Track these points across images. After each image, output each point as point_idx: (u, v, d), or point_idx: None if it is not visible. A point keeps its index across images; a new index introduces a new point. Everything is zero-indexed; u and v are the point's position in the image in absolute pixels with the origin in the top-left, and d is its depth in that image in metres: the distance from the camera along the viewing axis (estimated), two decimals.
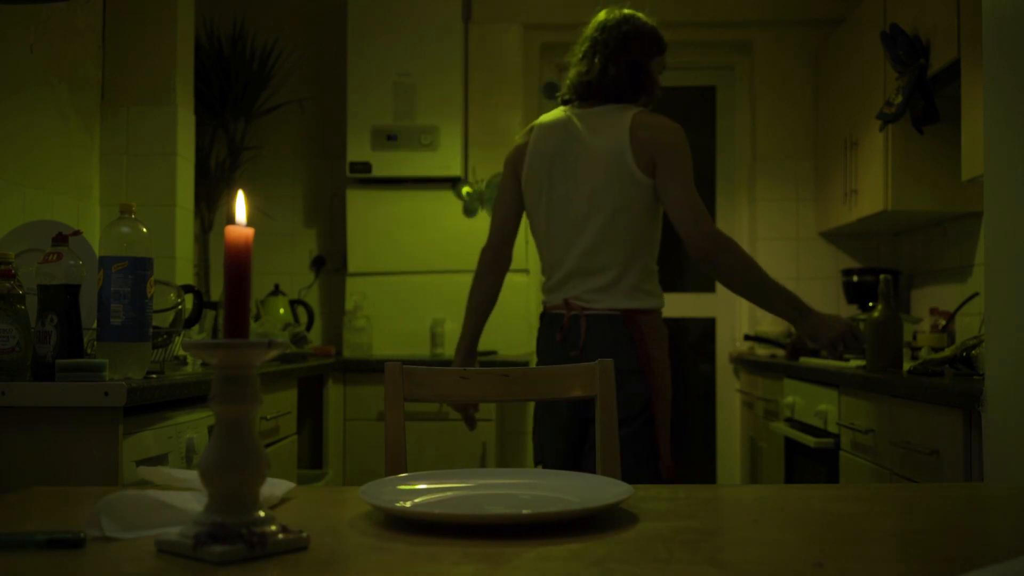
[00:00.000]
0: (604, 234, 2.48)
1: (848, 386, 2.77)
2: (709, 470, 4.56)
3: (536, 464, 2.64)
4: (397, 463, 1.57)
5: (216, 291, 4.02)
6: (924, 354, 2.88)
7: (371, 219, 4.23)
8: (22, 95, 2.78)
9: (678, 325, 4.55)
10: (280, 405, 3.07)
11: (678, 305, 4.46)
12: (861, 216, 3.71)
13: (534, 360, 4.27)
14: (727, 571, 0.88)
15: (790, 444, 3.41)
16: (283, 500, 1.22)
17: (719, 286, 4.54)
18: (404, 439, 1.60)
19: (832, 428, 2.93)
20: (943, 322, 3.37)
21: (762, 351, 4.15)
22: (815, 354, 3.56)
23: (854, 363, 2.97)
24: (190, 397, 2.16)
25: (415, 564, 0.92)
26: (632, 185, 2.46)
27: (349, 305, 4.15)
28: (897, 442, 2.37)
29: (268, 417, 2.92)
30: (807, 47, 4.40)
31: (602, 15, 2.60)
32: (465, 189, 4.26)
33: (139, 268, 2.00)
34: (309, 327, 4.05)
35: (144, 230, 2.03)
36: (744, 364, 4.27)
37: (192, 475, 1.22)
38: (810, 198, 4.40)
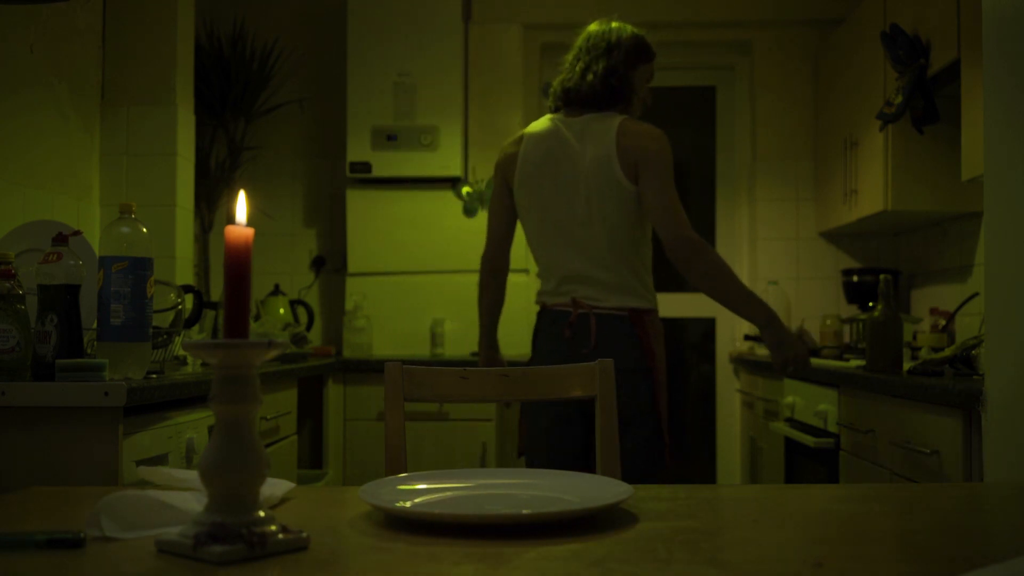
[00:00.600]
0: (601, 239, 2.54)
1: (848, 386, 2.77)
2: (709, 470, 4.56)
3: (522, 457, 2.67)
4: (397, 463, 1.57)
5: (216, 291, 4.02)
6: (924, 354, 2.88)
7: (371, 219, 4.23)
8: (22, 95, 2.78)
9: (678, 325, 4.55)
10: (280, 405, 3.08)
11: (678, 305, 4.46)
12: (861, 216, 3.71)
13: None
14: (727, 571, 0.88)
15: (790, 444, 3.41)
16: (283, 500, 1.22)
17: None
18: (404, 439, 1.60)
19: (832, 428, 2.93)
20: (943, 322, 3.37)
21: (762, 351, 4.15)
22: (815, 354, 3.56)
23: (854, 363, 2.97)
24: (190, 397, 2.16)
25: (415, 564, 0.92)
26: (621, 192, 2.51)
27: (349, 305, 4.15)
28: (897, 442, 2.37)
29: (268, 417, 2.92)
30: (807, 47, 4.40)
31: (592, 26, 2.68)
32: (465, 189, 4.26)
33: (139, 268, 2.00)
34: (309, 327, 4.05)
35: (144, 230, 2.03)
36: (744, 364, 4.27)
37: (192, 475, 1.22)
38: (810, 198, 4.40)
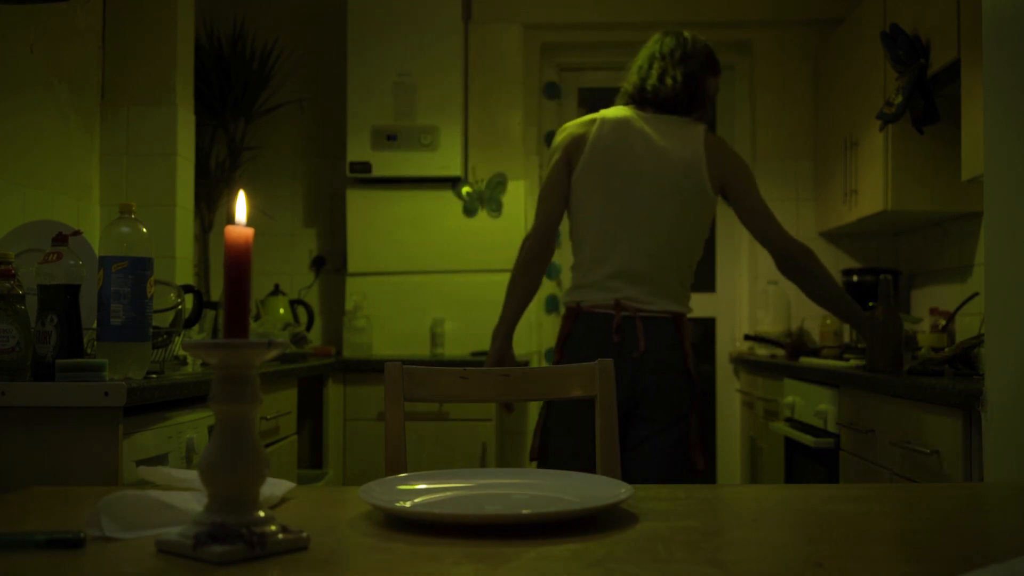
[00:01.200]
0: (663, 237, 2.55)
1: (848, 386, 2.77)
2: (709, 470, 4.55)
3: (538, 462, 2.61)
4: (397, 463, 1.57)
5: (216, 291, 4.02)
6: (924, 354, 2.87)
7: (371, 219, 4.23)
8: (22, 95, 2.78)
9: None
10: (280, 405, 3.07)
11: None
12: (861, 216, 3.71)
13: (537, 360, 4.32)
14: (727, 571, 0.88)
15: (790, 444, 3.41)
16: (283, 500, 1.22)
17: (719, 286, 4.55)
18: (404, 439, 1.60)
19: (832, 428, 2.93)
20: (943, 322, 3.37)
21: (762, 351, 4.15)
22: (815, 354, 3.56)
23: (854, 363, 2.97)
24: (190, 397, 2.16)
25: (415, 564, 0.92)
26: (701, 195, 2.56)
27: (349, 305, 4.15)
28: (897, 442, 2.37)
29: (268, 417, 2.92)
30: (807, 47, 4.41)
31: (657, 35, 2.72)
32: (465, 189, 4.26)
33: (139, 268, 2.00)
34: (309, 327, 4.05)
35: (144, 230, 2.03)
36: (744, 364, 4.26)
37: (192, 475, 1.22)
38: (810, 198, 4.40)
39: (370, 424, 3.79)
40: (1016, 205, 1.78)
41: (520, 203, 4.28)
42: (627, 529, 1.04)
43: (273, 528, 0.93)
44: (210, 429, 2.27)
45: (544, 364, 4.29)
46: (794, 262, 2.64)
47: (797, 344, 3.66)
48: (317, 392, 3.78)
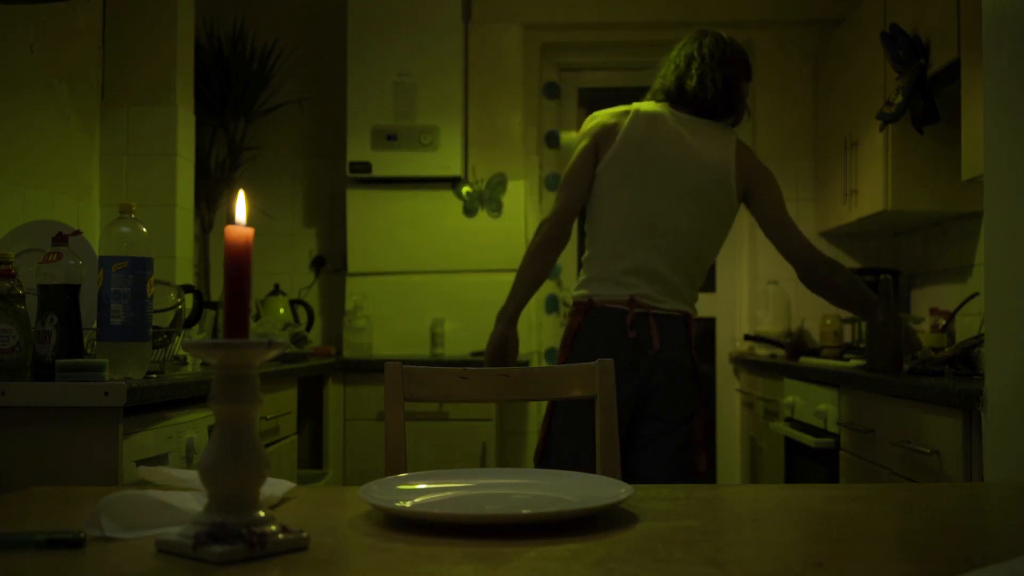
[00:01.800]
0: (683, 239, 2.54)
1: (848, 386, 2.77)
2: (709, 470, 4.55)
3: (537, 462, 2.59)
4: (397, 463, 1.57)
5: (216, 291, 4.02)
6: (923, 354, 2.87)
7: (371, 219, 4.23)
8: (22, 95, 2.78)
9: None
10: (280, 405, 3.07)
11: None
12: (861, 216, 3.71)
13: (537, 360, 4.32)
14: (727, 571, 0.88)
15: (790, 444, 3.41)
16: (283, 500, 1.22)
17: (719, 286, 4.54)
18: (404, 439, 1.60)
19: (832, 428, 2.93)
20: (943, 322, 3.37)
21: (762, 351, 4.15)
22: (815, 354, 3.56)
23: (854, 363, 2.97)
24: (190, 397, 2.16)
25: (415, 564, 0.92)
26: (727, 202, 2.57)
27: (349, 305, 4.15)
28: (897, 442, 2.37)
29: (268, 417, 2.92)
30: (807, 47, 4.41)
31: (691, 36, 2.68)
32: (465, 189, 4.26)
33: (139, 268, 2.00)
34: (309, 327, 4.05)
35: (144, 230, 2.03)
36: (744, 364, 4.26)
37: (192, 475, 1.22)
38: (810, 198, 4.40)
39: (370, 424, 3.79)
40: (1016, 205, 1.78)
41: (520, 203, 4.28)
42: (627, 529, 1.04)
43: (273, 528, 0.93)
44: (210, 429, 2.27)
45: (544, 364, 4.29)
46: (816, 275, 2.61)
47: (797, 344, 3.66)
48: (317, 392, 3.78)
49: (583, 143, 2.57)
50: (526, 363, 4.06)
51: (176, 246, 3.26)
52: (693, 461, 2.54)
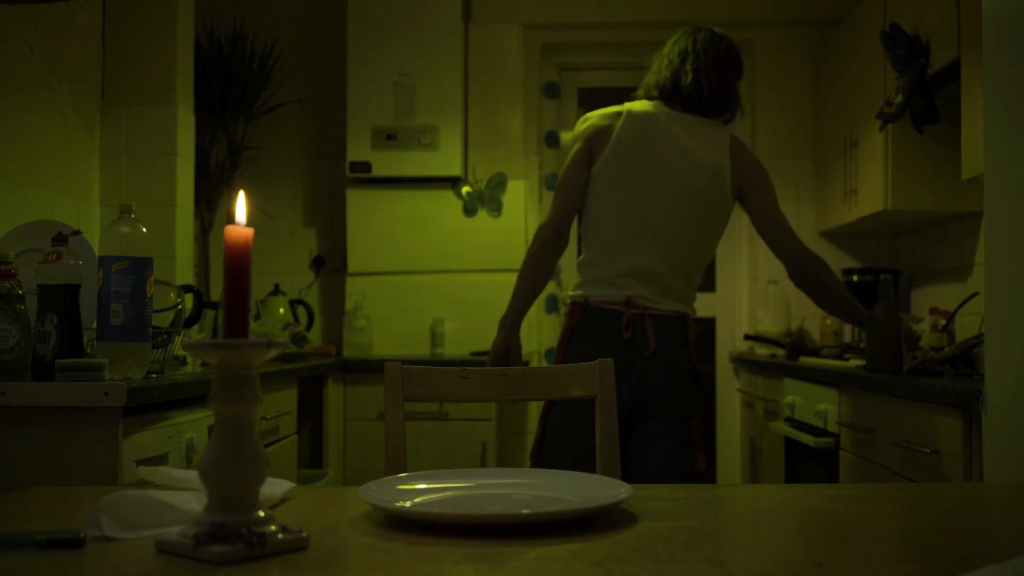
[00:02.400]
0: (679, 239, 2.53)
1: (848, 386, 2.77)
2: (709, 470, 4.55)
3: (533, 462, 2.58)
4: (397, 463, 1.57)
5: (216, 291, 4.02)
6: (923, 354, 2.87)
7: (371, 219, 4.23)
8: (22, 95, 2.78)
9: None
10: (280, 405, 3.07)
11: None
12: (861, 216, 3.71)
13: (537, 360, 4.31)
14: (727, 571, 0.88)
15: (790, 444, 3.41)
16: (283, 500, 1.22)
17: (719, 286, 4.55)
18: (404, 439, 1.60)
19: (832, 428, 2.93)
20: (943, 322, 3.37)
21: (762, 351, 4.15)
22: (815, 354, 3.56)
23: (854, 363, 2.97)
24: (190, 397, 2.16)
25: (415, 564, 0.92)
26: (722, 201, 2.56)
27: (349, 305, 4.15)
28: (897, 442, 2.37)
29: (268, 417, 2.92)
30: (807, 47, 4.41)
31: (691, 30, 2.68)
32: (465, 189, 4.26)
33: (139, 268, 2.00)
34: (309, 327, 4.05)
35: (144, 230, 2.03)
36: (744, 364, 4.26)
37: (192, 475, 1.22)
38: (810, 198, 4.40)
39: (370, 424, 3.79)
40: (1016, 205, 1.78)
41: (520, 203, 4.28)
42: (627, 529, 1.04)
43: (273, 528, 0.93)
44: (210, 429, 2.27)
45: (544, 364, 4.29)
46: (806, 274, 2.62)
47: (797, 344, 3.66)
48: (317, 392, 3.78)
49: (576, 146, 2.58)
50: (526, 363, 4.06)
51: (176, 246, 3.26)
52: (692, 461, 2.54)
